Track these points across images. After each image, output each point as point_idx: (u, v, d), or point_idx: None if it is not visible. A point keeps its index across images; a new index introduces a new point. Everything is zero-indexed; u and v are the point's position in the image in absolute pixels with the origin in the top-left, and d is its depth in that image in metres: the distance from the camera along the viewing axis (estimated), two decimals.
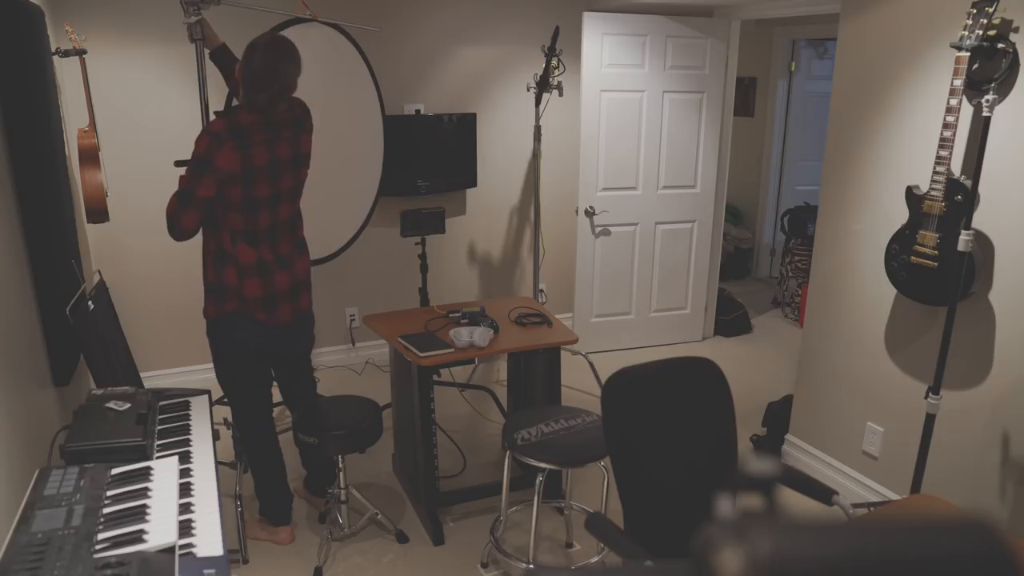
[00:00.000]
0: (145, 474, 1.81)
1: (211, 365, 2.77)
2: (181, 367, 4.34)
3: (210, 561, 1.61)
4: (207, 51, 2.89)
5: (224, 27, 3.26)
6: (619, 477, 1.93)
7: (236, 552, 2.83)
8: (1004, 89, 2.46)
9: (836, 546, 0.42)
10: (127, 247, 4.08)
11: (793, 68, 6.23)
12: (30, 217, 2.44)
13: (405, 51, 4.46)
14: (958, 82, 2.41)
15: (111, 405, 2.12)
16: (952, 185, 2.50)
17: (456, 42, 4.58)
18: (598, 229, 4.75)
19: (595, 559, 2.88)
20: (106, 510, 1.65)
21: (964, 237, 2.43)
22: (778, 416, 3.70)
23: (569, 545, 2.97)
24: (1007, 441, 2.61)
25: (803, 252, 5.58)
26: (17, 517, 1.61)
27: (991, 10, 2.33)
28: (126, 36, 3.84)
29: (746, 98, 6.46)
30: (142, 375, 3.58)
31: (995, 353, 2.61)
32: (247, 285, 2.60)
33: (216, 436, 2.24)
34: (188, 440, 2.16)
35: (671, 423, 2.00)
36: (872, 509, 2.96)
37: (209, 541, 1.68)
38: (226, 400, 2.88)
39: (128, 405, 2.13)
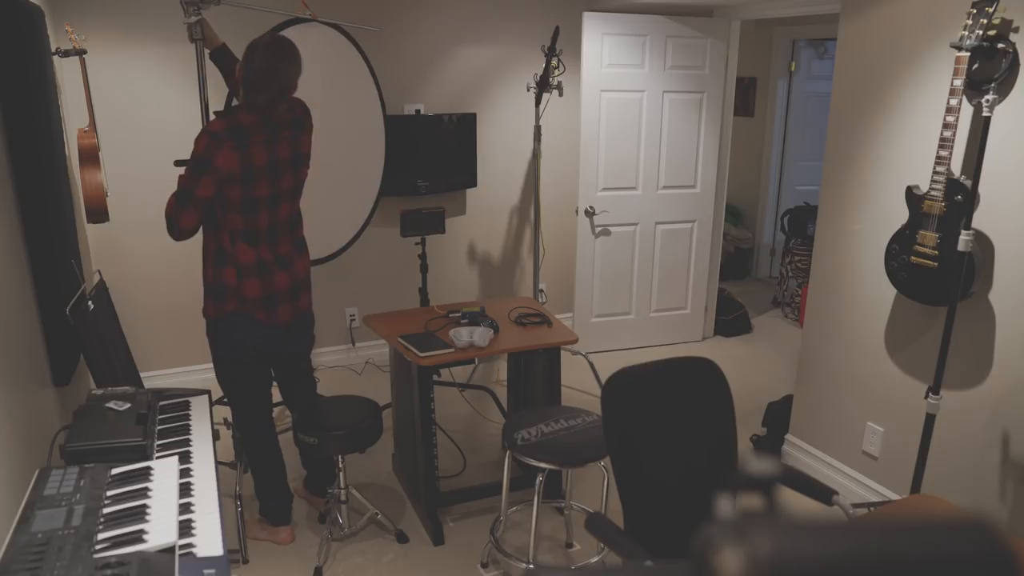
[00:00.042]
0: (145, 474, 1.81)
1: (211, 365, 2.77)
2: (181, 367, 4.34)
3: (210, 561, 1.61)
4: (207, 51, 2.89)
5: (224, 27, 3.26)
6: (619, 477, 1.93)
7: (236, 552, 2.83)
8: (1004, 89, 2.46)
9: (836, 546, 0.42)
10: (127, 247, 4.08)
11: (793, 68, 6.23)
12: (30, 217, 2.44)
13: (405, 51, 4.46)
14: (958, 82, 2.41)
15: (111, 405, 2.12)
16: (952, 185, 2.50)
17: (456, 42, 4.58)
18: (598, 229, 4.75)
19: (595, 559, 2.88)
20: (106, 510, 1.65)
21: (964, 237, 2.43)
22: (778, 416, 3.70)
23: (569, 545, 2.97)
24: (1007, 441, 2.61)
25: (803, 252, 5.58)
26: (17, 517, 1.61)
27: (991, 10, 2.33)
28: (126, 36, 3.84)
29: (746, 98, 6.46)
30: (142, 375, 3.58)
31: (995, 353, 2.61)
32: (247, 285, 2.60)
33: (216, 436, 2.24)
34: (188, 440, 2.16)
35: (671, 423, 2.00)
36: (872, 509, 2.96)
37: (209, 541, 1.68)
38: (226, 400, 2.88)
39: (128, 405, 2.13)
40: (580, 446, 2.53)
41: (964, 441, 2.75)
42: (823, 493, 2.04)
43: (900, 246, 2.72)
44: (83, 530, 1.56)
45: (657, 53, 4.57)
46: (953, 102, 2.43)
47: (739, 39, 4.87)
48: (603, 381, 2.42)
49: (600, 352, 4.95)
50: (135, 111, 3.93)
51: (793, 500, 2.59)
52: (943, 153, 2.48)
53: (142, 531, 1.57)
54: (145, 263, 4.13)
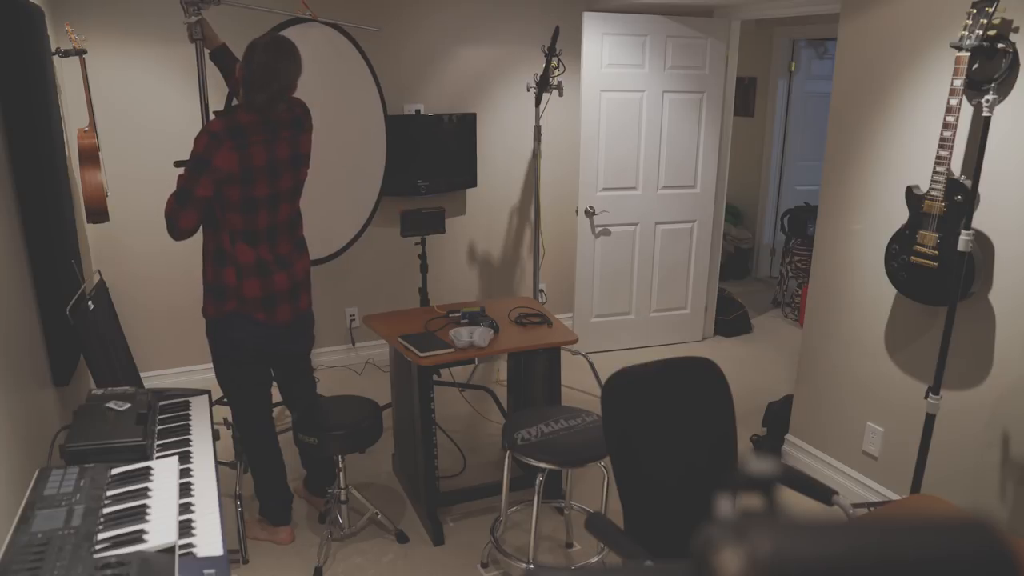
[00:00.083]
0: (145, 474, 1.81)
1: (211, 365, 2.77)
2: (181, 367, 4.34)
3: (210, 561, 1.61)
4: (207, 51, 2.89)
5: (224, 27, 3.26)
6: (619, 477, 1.93)
7: (236, 552, 2.83)
8: (1004, 89, 2.46)
9: (836, 546, 0.42)
10: (127, 247, 4.08)
11: (793, 68, 6.23)
12: (30, 217, 2.44)
13: (405, 51, 4.46)
14: (958, 82, 2.41)
15: (111, 405, 2.12)
16: (952, 185, 2.50)
17: (456, 42, 4.58)
18: (598, 229, 4.75)
19: (595, 559, 2.88)
20: (106, 510, 1.65)
21: (964, 237, 2.43)
22: (778, 416, 3.70)
23: (569, 545, 2.97)
24: (1007, 441, 2.61)
25: (803, 252, 5.58)
26: (17, 517, 1.61)
27: (991, 10, 2.33)
28: (126, 36, 3.84)
29: (746, 98, 6.46)
30: (142, 375, 3.58)
31: (995, 353, 2.61)
32: (246, 285, 2.60)
33: (216, 436, 2.24)
34: (188, 440, 2.16)
35: (671, 423, 2.00)
36: (872, 509, 2.96)
37: (209, 541, 1.68)
38: (226, 400, 2.88)
39: (128, 405, 2.13)
40: (580, 446, 2.53)
41: (964, 441, 2.75)
42: (823, 493, 2.04)
43: (900, 246, 2.72)
44: (83, 530, 1.56)
45: (657, 53, 4.57)
46: (953, 102, 2.43)
47: (739, 39, 4.87)
48: (603, 381, 2.42)
49: (600, 352, 4.95)
50: (135, 111, 3.93)
51: (793, 500, 2.59)
52: (943, 153, 2.48)
53: (142, 531, 1.57)
54: (145, 263, 4.13)
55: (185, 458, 2.05)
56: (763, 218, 6.61)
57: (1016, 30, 2.42)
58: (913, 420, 2.93)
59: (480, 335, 2.86)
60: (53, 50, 3.08)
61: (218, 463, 2.11)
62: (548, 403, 3.18)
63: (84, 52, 3.24)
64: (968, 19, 2.37)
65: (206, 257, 2.62)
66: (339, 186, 4.05)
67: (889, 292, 2.98)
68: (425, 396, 2.90)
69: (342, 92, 3.95)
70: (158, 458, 1.98)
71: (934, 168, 2.53)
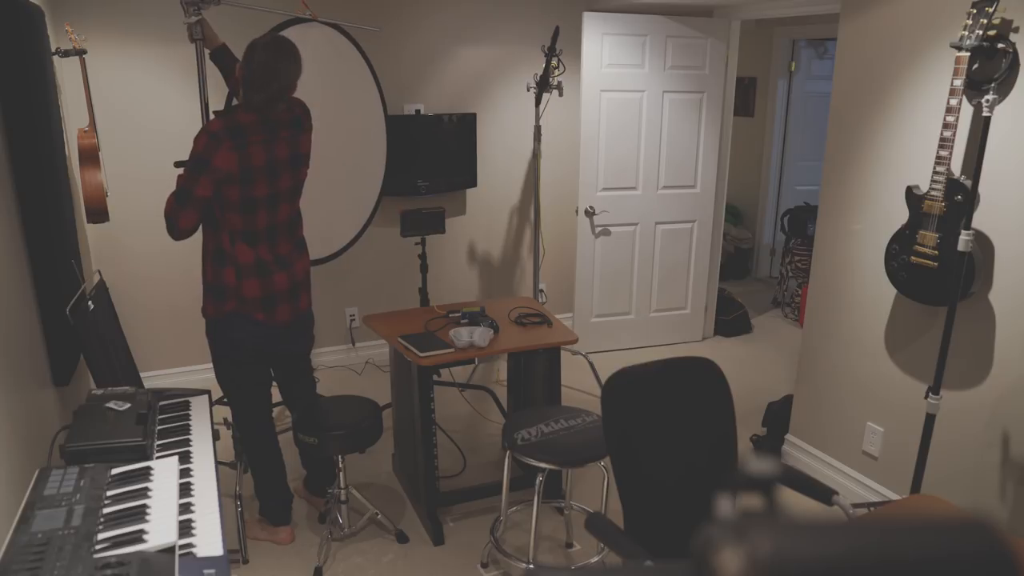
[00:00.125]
0: (145, 474, 1.81)
1: (211, 365, 2.77)
2: (181, 367, 4.34)
3: (210, 561, 1.61)
4: (207, 51, 2.89)
5: (224, 27, 3.26)
6: (619, 477, 1.93)
7: (236, 552, 2.83)
8: (1004, 89, 2.46)
9: (836, 546, 0.42)
10: (127, 247, 4.08)
11: (793, 68, 6.23)
12: (30, 217, 2.44)
13: (405, 51, 4.46)
14: (958, 82, 2.41)
15: (111, 405, 2.12)
16: (952, 185, 2.50)
17: (456, 42, 4.58)
18: (598, 229, 4.75)
19: (595, 559, 2.88)
20: (106, 510, 1.65)
21: (964, 237, 2.43)
22: (778, 416, 3.70)
23: (569, 545, 2.97)
24: (1007, 441, 2.61)
25: (803, 252, 5.58)
26: (17, 517, 1.61)
27: (991, 10, 2.33)
28: (126, 36, 3.84)
29: (746, 98, 6.46)
30: (142, 375, 3.58)
31: (995, 353, 2.61)
32: (246, 285, 2.60)
33: (216, 436, 2.24)
34: (188, 440, 2.16)
35: (671, 423, 2.00)
36: (872, 509, 2.96)
37: (209, 541, 1.68)
38: (226, 400, 2.88)
39: (128, 405, 2.13)
40: (580, 446, 2.53)
41: (964, 441, 2.75)
42: (823, 493, 2.04)
43: (900, 246, 2.72)
44: (83, 530, 1.56)
45: (657, 53, 4.57)
46: (953, 102, 2.43)
47: (739, 39, 4.87)
48: (603, 381, 2.42)
49: (600, 352, 4.95)
50: (135, 111, 3.94)
51: (793, 500, 2.59)
52: (943, 153, 2.48)
53: (142, 531, 1.57)
54: (145, 263, 4.13)
55: (185, 458, 2.05)
56: (763, 218, 6.61)
57: (1016, 30, 2.42)
58: (913, 420, 2.93)
59: (480, 335, 2.86)
60: (53, 50, 3.08)
61: (218, 463, 2.11)
62: (548, 403, 3.17)
63: (84, 52, 3.24)
64: (968, 19, 2.37)
65: (206, 257, 2.62)
66: (339, 186, 4.04)
67: (889, 292, 2.98)
68: (425, 396, 2.90)
69: (342, 92, 3.95)
70: (158, 458, 1.98)
71: (934, 168, 2.53)
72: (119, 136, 3.92)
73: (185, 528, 1.73)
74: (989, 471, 2.68)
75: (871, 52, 2.96)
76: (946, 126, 2.45)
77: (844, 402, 3.26)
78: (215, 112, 2.73)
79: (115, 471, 1.82)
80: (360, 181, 4.12)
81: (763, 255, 6.69)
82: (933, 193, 2.55)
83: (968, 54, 2.38)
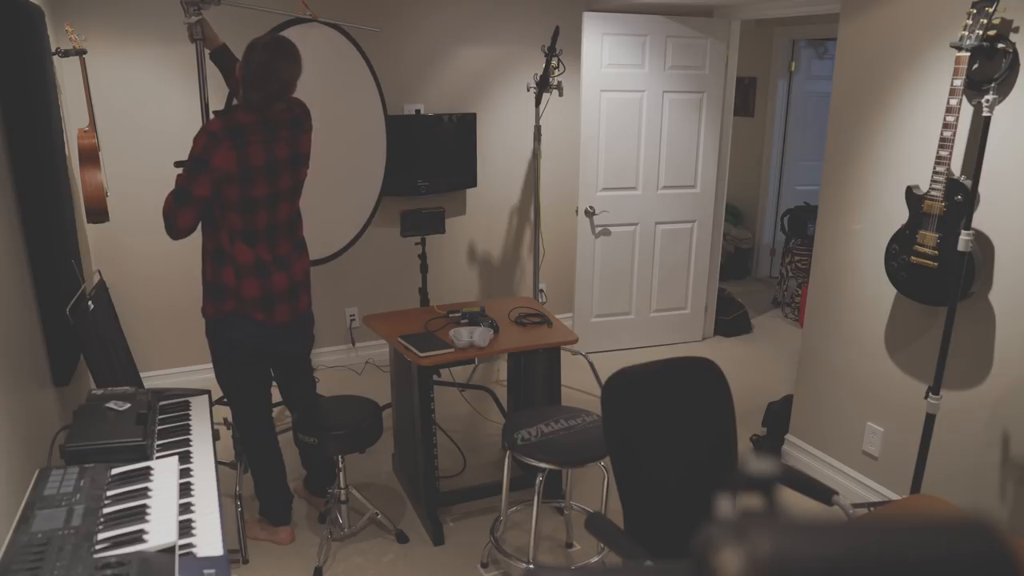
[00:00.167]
0: (145, 474, 1.81)
1: (211, 365, 2.77)
2: (181, 367, 4.34)
3: (210, 561, 1.61)
4: (207, 51, 2.89)
5: (224, 27, 3.26)
6: (619, 477, 1.93)
7: (236, 552, 2.83)
8: (1004, 89, 2.46)
9: (836, 546, 0.42)
10: (127, 247, 4.08)
11: (793, 68, 6.23)
12: (30, 217, 2.44)
13: (405, 51, 4.46)
14: (958, 82, 2.41)
15: (111, 405, 2.12)
16: (952, 185, 2.50)
17: (456, 42, 4.58)
18: (598, 229, 4.75)
19: (595, 559, 2.88)
20: (106, 510, 1.65)
21: (964, 237, 2.43)
22: (778, 416, 3.70)
23: (569, 545, 2.97)
24: (1007, 441, 2.61)
25: (803, 252, 5.58)
26: (17, 517, 1.61)
27: (991, 10, 2.33)
28: (126, 36, 3.84)
29: (746, 98, 6.46)
30: (142, 375, 3.58)
31: (995, 353, 2.61)
32: (245, 285, 2.60)
33: (216, 436, 2.24)
34: (188, 440, 2.16)
35: (671, 423, 2.00)
36: (872, 509, 2.96)
37: (209, 541, 1.68)
38: (226, 400, 2.88)
39: (128, 405, 2.13)
40: (580, 446, 2.53)
41: (964, 441, 2.75)
42: (823, 493, 2.04)
43: (900, 246, 2.72)
44: (83, 530, 1.56)
45: (657, 53, 4.57)
46: (953, 102, 2.43)
47: (739, 39, 4.87)
48: (603, 381, 2.42)
49: (600, 352, 4.95)
50: (135, 111, 3.94)
51: (793, 500, 2.59)
52: (943, 153, 2.48)
53: (142, 531, 1.57)
54: (145, 263, 4.13)
55: (185, 458, 2.05)
56: (763, 218, 6.61)
57: (1016, 30, 2.42)
58: (913, 420, 2.93)
59: (480, 335, 2.86)
60: (53, 50, 3.08)
61: (218, 463, 2.11)
62: (548, 403, 3.18)
63: (84, 52, 3.24)
64: (968, 19, 2.37)
65: (205, 257, 2.62)
66: (339, 186, 4.04)
67: (889, 292, 2.98)
68: (425, 396, 2.90)
69: (342, 92, 3.95)
70: (158, 458, 1.98)
71: (934, 168, 2.53)
72: (119, 136, 3.92)
73: (185, 528, 1.73)
74: (989, 471, 2.68)
75: (871, 52, 2.96)
76: (946, 126, 2.45)
77: (844, 402, 3.26)
78: (215, 112, 2.73)
79: (115, 471, 1.82)
80: (360, 181, 4.12)
81: (763, 255, 6.69)
82: (933, 193, 2.55)
83: (968, 54, 2.38)
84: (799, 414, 3.53)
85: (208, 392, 2.49)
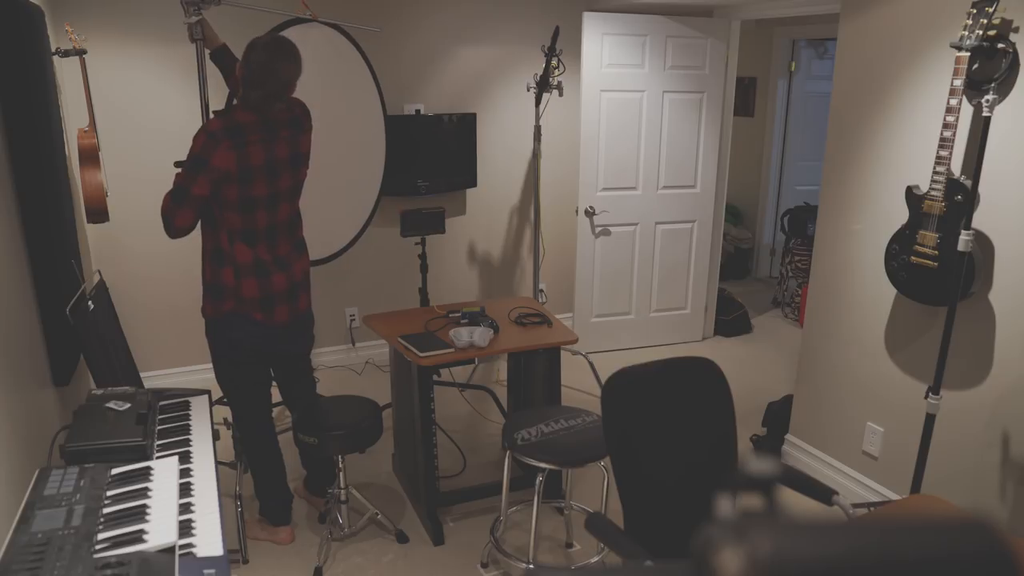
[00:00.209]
0: (145, 474, 1.81)
1: (211, 365, 2.77)
2: (181, 367, 4.34)
3: (210, 561, 1.61)
4: (207, 51, 2.89)
5: (224, 27, 3.26)
6: (619, 477, 1.93)
7: (236, 552, 2.83)
8: (1004, 89, 2.46)
9: (836, 546, 0.42)
10: (127, 247, 4.08)
11: (793, 68, 6.23)
12: (30, 217, 2.44)
13: (405, 51, 4.46)
14: (958, 82, 2.41)
15: (111, 405, 2.12)
16: (952, 185, 2.50)
17: (456, 42, 4.58)
18: (598, 229, 4.75)
19: (595, 559, 2.88)
20: (106, 510, 1.65)
21: (964, 237, 2.43)
22: (778, 416, 3.70)
23: (569, 545, 2.97)
24: (1007, 441, 2.61)
25: (803, 252, 5.58)
26: (17, 517, 1.61)
27: (991, 10, 2.33)
28: (126, 36, 3.84)
29: (746, 98, 6.46)
30: (142, 375, 3.58)
31: (995, 353, 2.61)
32: (244, 285, 2.60)
33: (216, 436, 2.24)
34: (188, 440, 2.16)
35: (671, 423, 2.00)
36: (872, 509, 2.96)
37: (209, 541, 1.68)
38: (226, 400, 2.88)
39: (128, 405, 2.13)
40: (580, 446, 2.53)
41: (964, 441, 2.75)
42: (823, 493, 2.04)
43: (900, 246, 2.72)
44: (83, 530, 1.56)
45: (657, 53, 4.57)
46: (953, 102, 2.43)
47: (739, 39, 4.87)
48: (603, 381, 2.42)
49: (600, 352, 4.95)
50: (135, 111, 3.94)
51: (793, 500, 2.59)
52: (943, 153, 2.48)
53: (142, 531, 1.57)
54: (145, 263, 4.13)
55: (185, 458, 2.05)
56: (763, 218, 6.61)
57: (1016, 30, 2.42)
58: (913, 420, 2.93)
59: (480, 335, 2.86)
60: (53, 50, 3.08)
61: (218, 463, 2.11)
62: (548, 403, 3.18)
63: (84, 52, 3.24)
64: (968, 19, 2.37)
65: (205, 257, 2.62)
66: (339, 186, 4.04)
67: (889, 292, 2.98)
68: (425, 396, 2.90)
69: (342, 92, 3.96)
70: (158, 458, 1.98)
71: (934, 168, 2.53)
72: (119, 136, 3.92)
73: (185, 528, 1.73)
74: (989, 471, 2.68)
75: (871, 52, 2.96)
76: (946, 126, 2.45)
77: (844, 402, 3.26)
78: (215, 112, 2.73)
79: (115, 471, 1.82)
80: (360, 181, 4.12)
81: (763, 255, 6.69)
82: (933, 193, 2.55)
83: (968, 54, 2.38)
84: (799, 414, 3.53)
85: (208, 392, 2.49)
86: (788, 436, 3.60)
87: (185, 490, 1.89)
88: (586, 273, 4.80)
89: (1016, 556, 0.43)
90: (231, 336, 2.66)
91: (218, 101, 3.84)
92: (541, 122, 4.14)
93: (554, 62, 3.93)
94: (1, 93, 2.30)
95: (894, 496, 3.06)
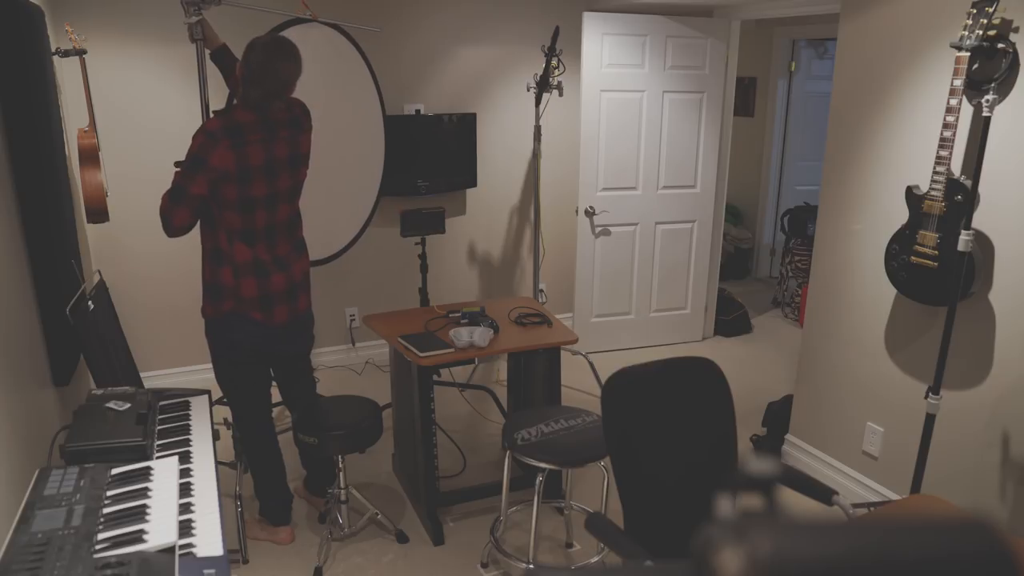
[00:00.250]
0: (145, 474, 1.81)
1: (211, 365, 2.77)
2: (181, 367, 4.34)
3: (210, 561, 1.61)
4: (208, 52, 2.89)
5: (224, 27, 3.26)
6: (619, 477, 1.93)
7: (236, 552, 2.83)
8: (1004, 89, 2.46)
9: (836, 546, 0.42)
10: (127, 247, 4.08)
11: (793, 68, 6.23)
12: (30, 217, 2.44)
13: (405, 51, 4.46)
14: (958, 82, 2.41)
15: (111, 405, 2.12)
16: (952, 185, 2.50)
17: (456, 42, 4.58)
18: (598, 229, 4.75)
19: (595, 559, 2.88)
20: (106, 510, 1.65)
21: (964, 237, 2.43)
22: (778, 416, 3.70)
23: (569, 545, 2.97)
24: (1007, 441, 2.61)
25: (803, 252, 5.58)
26: (17, 517, 1.61)
27: (991, 10, 2.33)
28: (126, 36, 3.84)
29: (746, 98, 6.46)
30: (142, 375, 3.58)
31: (995, 353, 2.61)
32: (243, 284, 2.60)
33: (216, 436, 2.24)
34: (188, 440, 2.16)
35: (671, 423, 2.00)
36: (872, 509, 2.96)
37: (209, 541, 1.68)
38: (225, 400, 2.88)
39: (128, 405, 2.13)
40: (580, 446, 2.53)
41: (964, 441, 2.75)
42: (823, 493, 2.04)
43: (900, 246, 2.72)
44: (83, 530, 1.56)
45: (657, 53, 4.57)
46: (953, 102, 2.43)
47: (739, 39, 4.87)
48: (603, 381, 2.42)
49: (600, 352, 4.95)
50: (135, 111, 3.94)
51: (793, 500, 2.59)
52: (943, 153, 2.48)
53: (142, 531, 1.57)
54: (145, 263, 4.13)
55: (185, 458, 2.05)
56: (763, 218, 6.61)
57: (1016, 30, 2.42)
58: (913, 420, 2.93)
59: (480, 335, 2.86)
60: (53, 50, 3.08)
61: (218, 463, 2.11)
62: (548, 403, 3.18)
63: (84, 52, 3.24)
64: (968, 19, 2.37)
65: (204, 256, 2.62)
66: (339, 187, 4.05)
67: (889, 292, 2.98)
68: (425, 396, 2.90)
69: (342, 92, 3.96)
70: (158, 458, 1.98)
71: (934, 168, 2.53)
72: (119, 136, 3.92)
73: (185, 528, 1.73)
74: (989, 471, 2.68)
75: (871, 52, 2.96)
76: (946, 126, 2.45)
77: (844, 402, 3.26)
78: (214, 112, 2.73)
79: (115, 471, 1.82)
80: (359, 182, 4.12)
81: (763, 255, 6.69)
82: (933, 193, 2.55)
83: (968, 54, 2.38)
84: (799, 414, 3.53)
85: (208, 392, 2.49)
86: (788, 436, 3.60)
87: (185, 490, 1.89)
88: (586, 273, 4.80)
89: (1016, 556, 0.43)
90: (230, 336, 2.66)
91: (218, 101, 3.84)
92: (541, 122, 4.14)
93: (554, 62, 3.93)
94: (1, 93, 2.30)
95: (894, 496, 3.06)
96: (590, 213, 4.69)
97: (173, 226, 2.47)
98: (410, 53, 4.47)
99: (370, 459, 3.58)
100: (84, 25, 3.74)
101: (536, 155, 4.17)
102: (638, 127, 4.66)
